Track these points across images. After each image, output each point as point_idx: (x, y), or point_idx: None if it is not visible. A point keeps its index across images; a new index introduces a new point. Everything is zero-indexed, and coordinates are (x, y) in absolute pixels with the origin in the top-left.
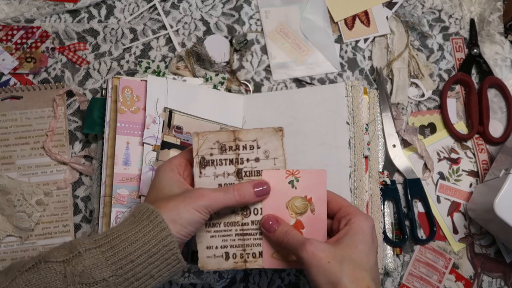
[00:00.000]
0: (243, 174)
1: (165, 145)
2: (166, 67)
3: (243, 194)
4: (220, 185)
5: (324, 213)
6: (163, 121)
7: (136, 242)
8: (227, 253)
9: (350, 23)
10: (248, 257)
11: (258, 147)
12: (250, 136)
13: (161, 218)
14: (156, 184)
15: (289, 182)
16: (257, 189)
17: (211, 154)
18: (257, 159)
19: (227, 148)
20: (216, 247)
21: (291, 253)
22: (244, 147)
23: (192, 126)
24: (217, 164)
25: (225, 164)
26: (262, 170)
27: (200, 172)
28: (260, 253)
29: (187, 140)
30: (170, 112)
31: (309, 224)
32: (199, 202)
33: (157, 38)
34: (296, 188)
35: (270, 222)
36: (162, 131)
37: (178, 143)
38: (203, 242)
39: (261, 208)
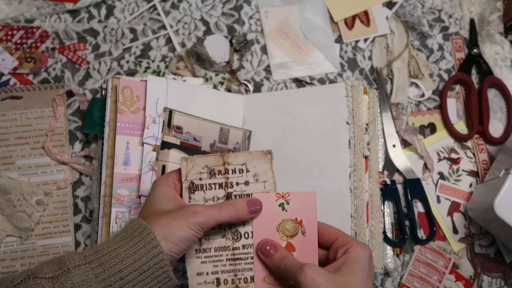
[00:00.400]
0: (233, 197)
1: (165, 145)
2: (166, 67)
3: (237, 209)
4: None
5: (315, 235)
6: (163, 121)
7: (126, 259)
8: (218, 279)
9: (350, 23)
10: (239, 283)
11: (248, 171)
12: (239, 159)
13: (153, 235)
14: (151, 199)
15: (280, 205)
16: (251, 206)
17: (200, 179)
18: (246, 183)
19: (216, 172)
20: (207, 273)
21: (286, 278)
22: (234, 171)
23: (192, 126)
24: (206, 189)
25: (215, 189)
26: (252, 194)
27: (190, 197)
28: (252, 278)
29: (187, 140)
30: (170, 112)
31: (300, 247)
32: (193, 219)
33: (157, 38)
34: (286, 210)
35: (268, 247)
36: (162, 131)
37: (178, 143)
38: (194, 269)
39: (252, 232)
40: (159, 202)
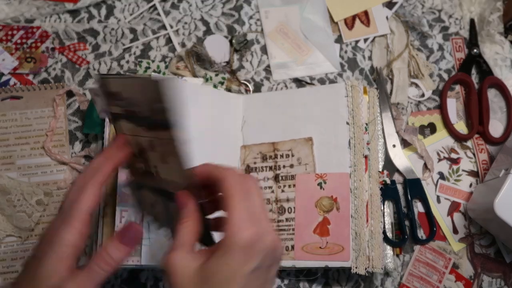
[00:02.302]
0: (280, 178)
1: (115, 118)
2: (166, 67)
3: (109, 257)
4: (260, 188)
5: (348, 210)
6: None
7: None
8: None
9: (350, 23)
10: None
11: (293, 155)
12: (286, 146)
13: None
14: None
15: (318, 184)
16: (124, 236)
17: (255, 163)
18: (291, 166)
19: (268, 157)
20: None
21: (318, 247)
22: (281, 156)
23: (129, 88)
24: (259, 171)
25: (266, 171)
26: (295, 175)
27: None
28: (292, 247)
29: (129, 107)
30: (102, 78)
31: (335, 221)
32: None
33: (157, 38)
34: (323, 189)
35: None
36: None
37: (123, 112)
38: None
39: (294, 207)
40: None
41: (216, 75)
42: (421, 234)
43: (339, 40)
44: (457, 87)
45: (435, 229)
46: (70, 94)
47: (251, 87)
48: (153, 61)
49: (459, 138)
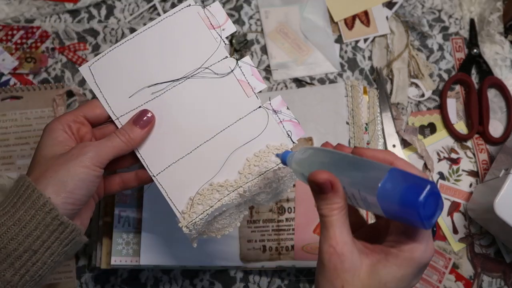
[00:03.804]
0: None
1: None
2: None
3: (127, 134)
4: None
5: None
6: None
7: (17, 235)
8: (264, 246)
9: (350, 23)
10: (282, 250)
11: None
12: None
13: (38, 193)
14: (39, 148)
15: None
16: (138, 121)
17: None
18: None
19: None
20: (255, 241)
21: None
22: None
23: None
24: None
25: None
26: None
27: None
28: (292, 247)
29: None
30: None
31: None
32: (83, 157)
33: None
34: None
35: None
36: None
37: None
38: (245, 236)
39: (294, 207)
40: (47, 150)
41: None
42: None
43: (339, 40)
44: (457, 87)
45: (435, 229)
46: (70, 94)
47: None
48: None
49: (459, 138)
